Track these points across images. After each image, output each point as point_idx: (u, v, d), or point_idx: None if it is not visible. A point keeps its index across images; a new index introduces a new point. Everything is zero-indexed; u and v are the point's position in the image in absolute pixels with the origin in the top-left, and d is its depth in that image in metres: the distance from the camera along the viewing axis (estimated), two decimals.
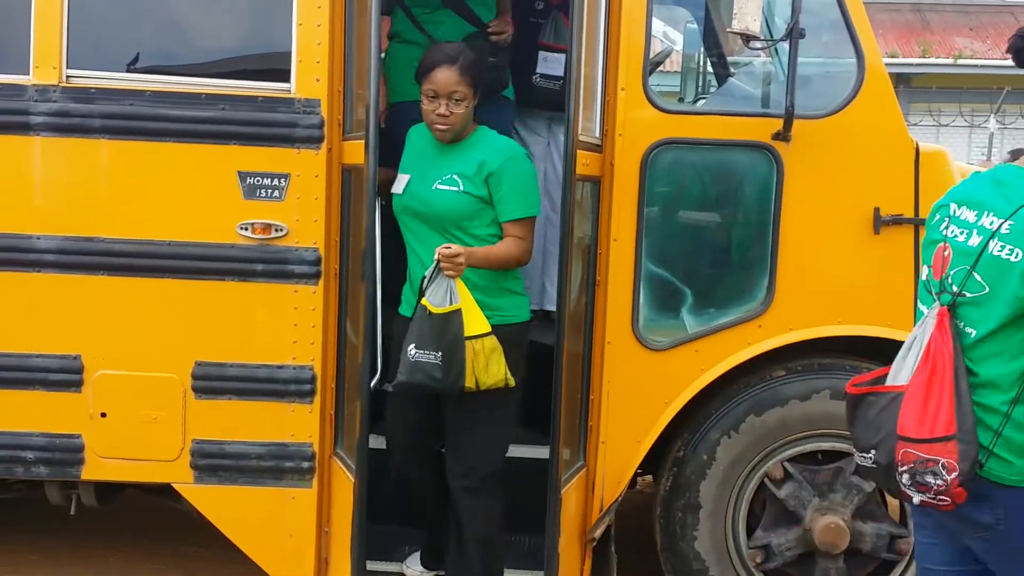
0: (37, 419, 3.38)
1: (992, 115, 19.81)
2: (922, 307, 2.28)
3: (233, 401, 3.38)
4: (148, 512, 4.20)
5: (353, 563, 3.24)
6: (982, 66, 19.81)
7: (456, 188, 3.13)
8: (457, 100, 3.08)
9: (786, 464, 3.43)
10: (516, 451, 3.60)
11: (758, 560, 3.46)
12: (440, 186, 3.14)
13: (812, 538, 3.41)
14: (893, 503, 3.56)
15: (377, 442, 3.54)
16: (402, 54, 3.94)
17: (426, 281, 3.01)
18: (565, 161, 3.06)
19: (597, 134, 3.38)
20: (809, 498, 3.43)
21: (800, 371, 3.41)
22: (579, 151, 3.09)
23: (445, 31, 3.86)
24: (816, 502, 3.43)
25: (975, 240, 2.17)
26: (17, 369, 3.36)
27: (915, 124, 19.50)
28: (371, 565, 3.33)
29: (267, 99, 3.29)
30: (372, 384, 3.22)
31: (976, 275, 2.14)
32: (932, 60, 20.58)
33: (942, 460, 2.10)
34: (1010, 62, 2.26)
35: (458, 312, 2.97)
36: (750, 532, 3.49)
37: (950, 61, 20.47)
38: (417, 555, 3.55)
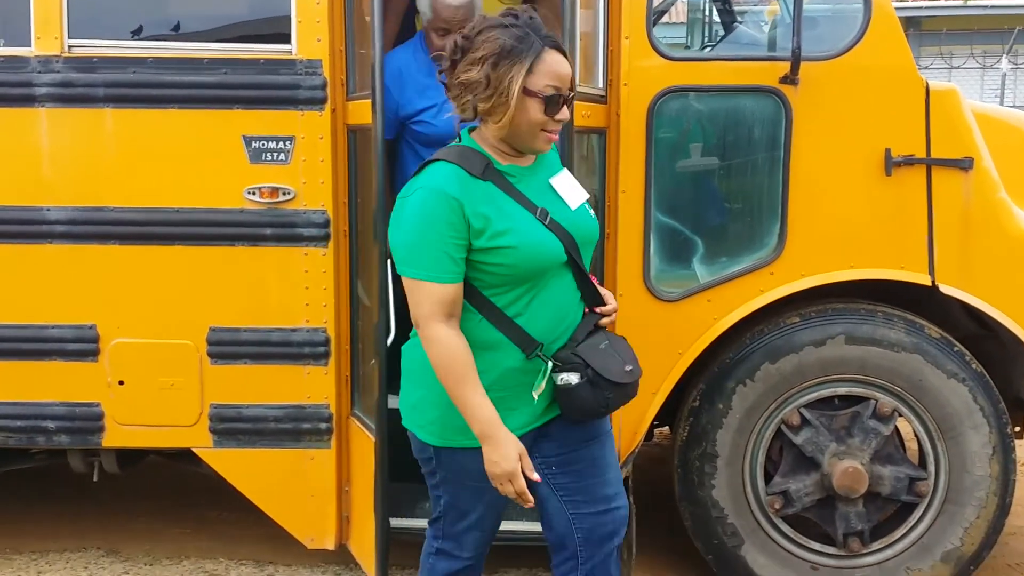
0: (56, 389, 3.41)
1: (1004, 56, 19.56)
2: None
3: (248, 365, 3.40)
4: (170, 477, 4.25)
5: (377, 520, 3.26)
6: (993, 7, 19.53)
7: None
8: None
9: (802, 410, 3.43)
10: None
11: (776, 506, 3.47)
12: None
13: (830, 483, 3.41)
14: (911, 446, 3.56)
15: (394, 402, 3.55)
16: None
17: None
18: None
19: (600, 85, 3.35)
20: (826, 443, 3.43)
21: (814, 316, 3.39)
22: (578, 102, 3.06)
23: None
24: (834, 447, 3.43)
25: None
26: (34, 340, 3.38)
27: (926, 67, 19.30)
28: (393, 522, 3.36)
29: (269, 61, 3.27)
30: (387, 343, 3.22)
31: None
32: (942, 3, 20.32)
33: None
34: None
35: None
36: (768, 479, 3.50)
37: (960, 3, 20.19)
38: None
